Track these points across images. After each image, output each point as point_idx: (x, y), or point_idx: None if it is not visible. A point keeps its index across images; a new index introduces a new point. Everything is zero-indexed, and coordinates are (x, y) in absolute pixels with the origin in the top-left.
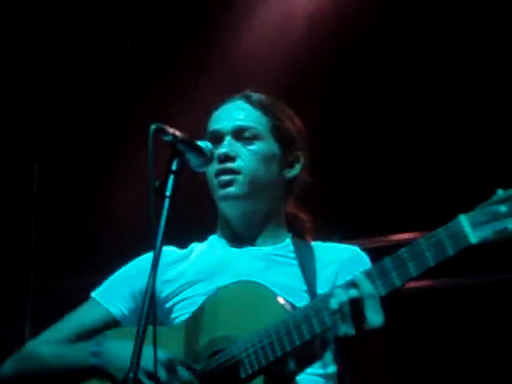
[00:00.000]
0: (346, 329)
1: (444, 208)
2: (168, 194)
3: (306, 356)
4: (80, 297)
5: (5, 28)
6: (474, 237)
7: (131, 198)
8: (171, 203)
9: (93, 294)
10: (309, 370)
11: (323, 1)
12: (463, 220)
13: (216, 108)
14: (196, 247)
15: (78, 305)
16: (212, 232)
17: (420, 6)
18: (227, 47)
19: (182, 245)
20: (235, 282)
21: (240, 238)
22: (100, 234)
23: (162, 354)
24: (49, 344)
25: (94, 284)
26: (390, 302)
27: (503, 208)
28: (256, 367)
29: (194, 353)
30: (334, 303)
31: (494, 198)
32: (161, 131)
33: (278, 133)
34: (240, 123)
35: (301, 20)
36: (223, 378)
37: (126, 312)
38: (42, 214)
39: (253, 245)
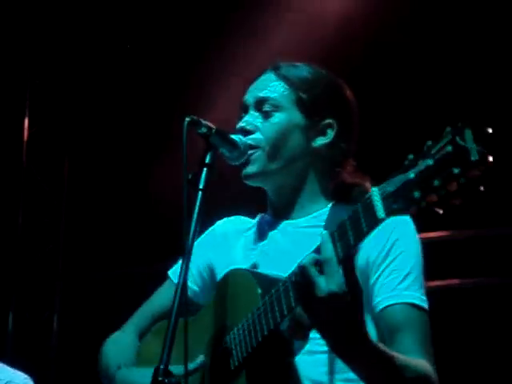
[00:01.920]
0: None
1: None
2: (201, 186)
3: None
4: (106, 289)
5: (38, 19)
6: (381, 210)
7: (164, 191)
8: (204, 196)
9: (169, 273)
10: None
11: (354, 2)
12: (375, 193)
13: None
14: (255, 224)
15: (105, 297)
16: None
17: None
18: (255, 47)
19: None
20: (229, 271)
21: (277, 212)
22: (130, 227)
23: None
24: (131, 336)
25: (122, 276)
26: None
27: (411, 175)
28: (241, 358)
29: (203, 346)
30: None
31: (405, 164)
32: (195, 124)
33: (303, 102)
34: (260, 95)
35: (331, 21)
36: (220, 373)
37: (196, 289)
38: (71, 205)
39: (287, 218)
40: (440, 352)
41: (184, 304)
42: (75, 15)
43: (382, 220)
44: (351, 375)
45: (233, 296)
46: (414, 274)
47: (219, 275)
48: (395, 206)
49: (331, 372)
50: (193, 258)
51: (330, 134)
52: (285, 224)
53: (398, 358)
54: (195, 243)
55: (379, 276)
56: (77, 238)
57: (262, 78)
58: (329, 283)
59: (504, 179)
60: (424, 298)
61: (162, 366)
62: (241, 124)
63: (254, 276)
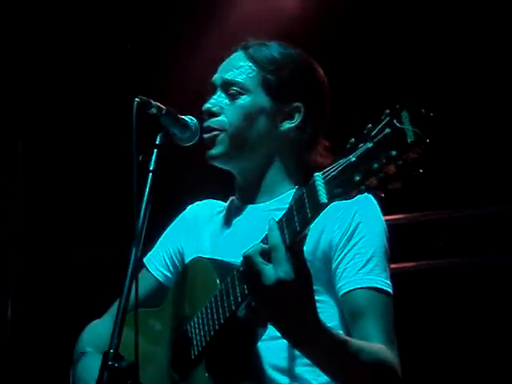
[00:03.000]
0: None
1: None
2: (151, 168)
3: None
4: (62, 275)
5: None
6: (324, 195)
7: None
8: (154, 177)
9: (144, 259)
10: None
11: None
12: (318, 178)
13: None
14: (224, 208)
15: (61, 283)
16: None
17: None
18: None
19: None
20: (190, 260)
21: (243, 196)
22: (85, 212)
23: None
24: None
25: (75, 263)
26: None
27: (352, 158)
28: (200, 346)
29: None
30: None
31: (347, 147)
32: (145, 105)
33: (268, 85)
34: (227, 77)
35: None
36: (181, 362)
37: (168, 273)
38: (25, 191)
39: (252, 202)
40: (400, 336)
41: (136, 292)
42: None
43: (325, 205)
44: None
45: (193, 285)
46: (376, 258)
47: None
48: (337, 190)
49: (292, 357)
50: (164, 243)
51: (297, 117)
52: (249, 208)
53: (352, 342)
54: (168, 228)
55: (342, 260)
56: (31, 224)
57: (232, 57)
58: (277, 271)
59: (448, 164)
60: (387, 281)
61: (111, 351)
62: (207, 105)
63: (213, 264)
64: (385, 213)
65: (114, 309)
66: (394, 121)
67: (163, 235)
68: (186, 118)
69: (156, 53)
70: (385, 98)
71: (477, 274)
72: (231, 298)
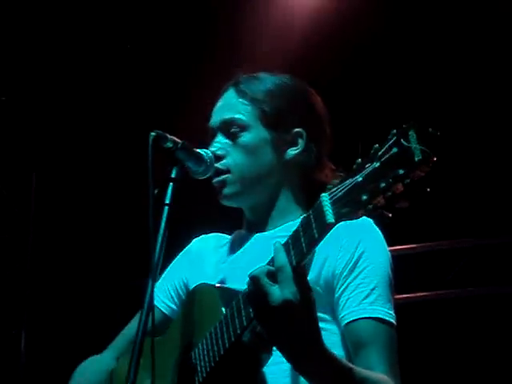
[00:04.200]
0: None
1: None
2: (167, 201)
3: (249, 352)
4: (75, 304)
5: (4, 34)
6: (330, 215)
7: (133, 206)
8: (170, 211)
9: None
10: None
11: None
12: (324, 199)
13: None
14: (230, 239)
15: (74, 312)
16: None
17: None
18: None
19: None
20: (194, 287)
21: (251, 226)
22: (98, 243)
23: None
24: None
25: (88, 295)
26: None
27: (359, 178)
28: (205, 373)
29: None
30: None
31: (353, 168)
32: (160, 139)
33: (266, 117)
34: (224, 117)
35: (302, 19)
36: None
37: (173, 306)
38: (39, 222)
39: (262, 230)
40: (405, 366)
41: (152, 323)
42: (39, 37)
43: (332, 225)
44: None
45: (198, 312)
46: (380, 288)
47: None
48: (344, 209)
49: (296, 382)
50: (169, 276)
51: (301, 143)
52: (256, 236)
53: (357, 370)
54: (173, 262)
55: (345, 289)
56: (45, 255)
57: (224, 97)
58: (283, 292)
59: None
60: (391, 312)
61: None
62: (211, 149)
63: (218, 290)
64: (395, 243)
65: (115, 343)
66: (401, 140)
67: (168, 268)
68: (201, 152)
69: (173, 88)
70: (390, 120)
71: (488, 304)
72: (236, 322)
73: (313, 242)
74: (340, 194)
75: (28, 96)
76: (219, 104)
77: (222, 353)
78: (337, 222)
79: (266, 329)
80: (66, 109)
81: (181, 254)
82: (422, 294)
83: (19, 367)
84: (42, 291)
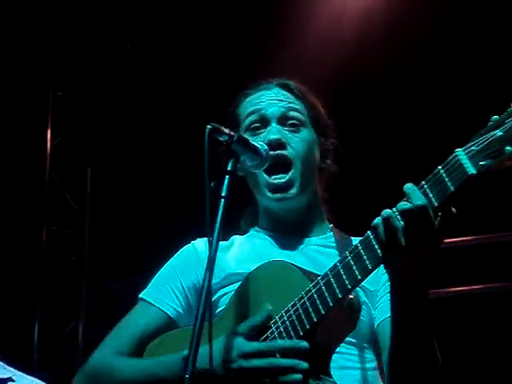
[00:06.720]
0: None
1: None
2: (223, 194)
3: (335, 327)
4: (131, 298)
5: (61, 31)
6: (471, 167)
7: (183, 204)
8: (226, 203)
9: (141, 295)
10: (348, 364)
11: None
12: (460, 153)
13: (247, 93)
14: (236, 239)
15: (130, 306)
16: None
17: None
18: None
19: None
20: (265, 263)
21: (284, 228)
22: (151, 236)
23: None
24: (118, 356)
25: (145, 285)
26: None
27: (499, 133)
28: (301, 332)
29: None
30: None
31: (490, 124)
32: (216, 131)
33: (317, 121)
34: (287, 110)
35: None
36: None
37: (180, 310)
38: (95, 215)
39: (297, 235)
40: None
41: (209, 308)
42: (100, 30)
43: (473, 176)
44: None
45: (272, 284)
46: None
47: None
48: (485, 162)
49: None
50: (174, 278)
51: (333, 153)
52: (300, 241)
53: None
54: (175, 263)
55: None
56: (101, 248)
57: (275, 92)
58: (423, 229)
59: None
60: None
61: (187, 375)
62: (274, 136)
63: (292, 264)
64: (454, 235)
65: (112, 341)
66: None
67: (170, 269)
68: (257, 144)
69: (228, 83)
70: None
71: None
72: (344, 278)
73: (446, 192)
74: (478, 148)
75: (84, 92)
76: (273, 97)
77: (323, 312)
78: (478, 173)
79: (391, 268)
80: (122, 104)
81: (184, 256)
82: (480, 286)
83: (76, 361)
84: (99, 284)
